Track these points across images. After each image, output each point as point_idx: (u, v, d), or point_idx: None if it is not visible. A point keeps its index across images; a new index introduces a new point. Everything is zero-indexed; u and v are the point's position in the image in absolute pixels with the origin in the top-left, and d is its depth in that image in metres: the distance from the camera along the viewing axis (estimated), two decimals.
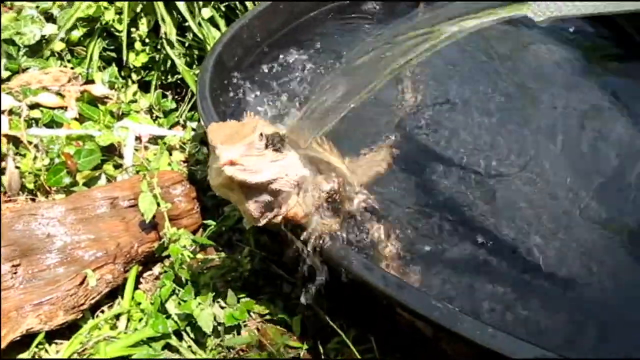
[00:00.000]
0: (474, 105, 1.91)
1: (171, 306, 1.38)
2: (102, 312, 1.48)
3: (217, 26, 2.16)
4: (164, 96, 2.16)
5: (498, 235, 1.52)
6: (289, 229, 1.26)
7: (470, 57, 2.12)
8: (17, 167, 1.71)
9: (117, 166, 1.80)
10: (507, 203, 1.61)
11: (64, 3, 2.14)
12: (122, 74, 2.16)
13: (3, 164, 1.71)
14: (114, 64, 2.16)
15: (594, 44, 2.29)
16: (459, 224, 1.56)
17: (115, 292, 1.51)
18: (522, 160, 1.72)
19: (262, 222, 1.18)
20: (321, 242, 1.22)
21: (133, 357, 1.34)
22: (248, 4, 2.21)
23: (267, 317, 1.48)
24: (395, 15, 2.33)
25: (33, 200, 1.71)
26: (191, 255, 1.52)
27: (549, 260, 1.46)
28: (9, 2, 2.28)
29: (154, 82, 2.15)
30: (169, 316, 1.38)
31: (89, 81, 2.10)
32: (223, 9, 2.20)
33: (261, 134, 1.08)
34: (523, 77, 2.04)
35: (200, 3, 2.07)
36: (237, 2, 2.19)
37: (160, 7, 2.04)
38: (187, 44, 2.16)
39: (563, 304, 1.38)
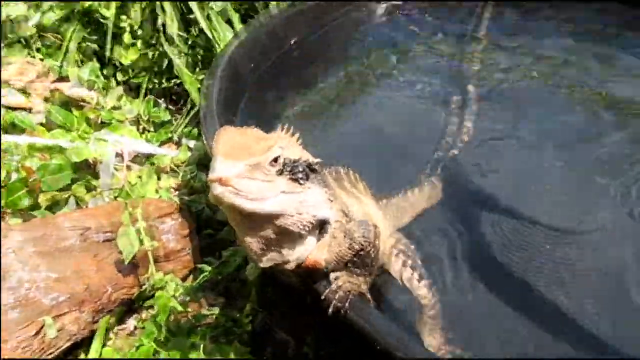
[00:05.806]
0: (534, 143, 1.80)
1: None
2: None
3: (229, 22, 1.99)
4: (156, 104, 2.03)
5: (549, 297, 1.41)
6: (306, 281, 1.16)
7: (536, 87, 2.03)
8: None
9: (91, 188, 1.68)
10: (554, 261, 1.48)
11: None
12: (105, 72, 2.04)
13: None
14: (95, 59, 2.03)
15: None
16: (508, 284, 1.45)
17: (78, 347, 1.38)
18: (580, 219, 1.59)
19: (267, 264, 1.08)
20: (346, 303, 1.09)
21: None
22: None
23: None
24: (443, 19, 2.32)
25: None
26: (180, 309, 1.42)
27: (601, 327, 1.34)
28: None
29: (144, 86, 2.02)
30: None
31: (63, 78, 1.98)
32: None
33: (276, 158, 0.97)
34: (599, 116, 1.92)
35: None
36: None
37: None
38: (190, 42, 2.01)
39: None
